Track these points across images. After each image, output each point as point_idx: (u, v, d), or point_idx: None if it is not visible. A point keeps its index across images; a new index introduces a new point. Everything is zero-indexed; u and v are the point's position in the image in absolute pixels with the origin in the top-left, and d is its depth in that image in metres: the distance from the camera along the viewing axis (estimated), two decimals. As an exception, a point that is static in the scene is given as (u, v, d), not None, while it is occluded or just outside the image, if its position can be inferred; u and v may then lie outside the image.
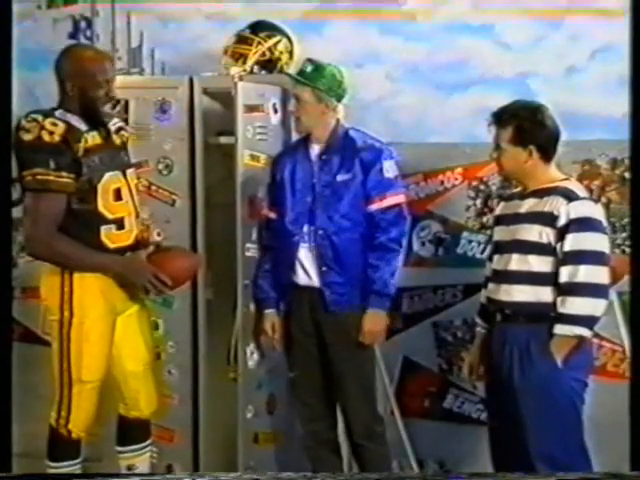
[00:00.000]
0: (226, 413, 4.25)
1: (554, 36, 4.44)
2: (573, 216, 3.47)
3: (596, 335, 3.89)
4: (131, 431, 3.91)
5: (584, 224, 3.47)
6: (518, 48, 4.46)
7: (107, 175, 3.66)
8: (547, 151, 3.60)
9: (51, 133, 3.54)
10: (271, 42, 4.34)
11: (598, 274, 3.47)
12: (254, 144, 4.14)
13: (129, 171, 3.79)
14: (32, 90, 4.77)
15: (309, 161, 4.01)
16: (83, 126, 3.64)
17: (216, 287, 4.36)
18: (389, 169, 3.97)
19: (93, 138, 3.66)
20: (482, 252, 4.44)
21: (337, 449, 4.18)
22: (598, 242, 3.50)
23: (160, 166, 4.29)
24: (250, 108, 4.11)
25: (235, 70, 4.26)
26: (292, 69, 4.33)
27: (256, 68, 4.32)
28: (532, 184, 3.62)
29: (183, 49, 4.60)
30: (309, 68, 3.98)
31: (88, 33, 4.75)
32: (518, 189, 3.73)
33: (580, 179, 4.35)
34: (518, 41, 4.46)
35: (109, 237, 3.68)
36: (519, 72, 4.46)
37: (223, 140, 4.29)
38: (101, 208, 3.65)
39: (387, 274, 3.93)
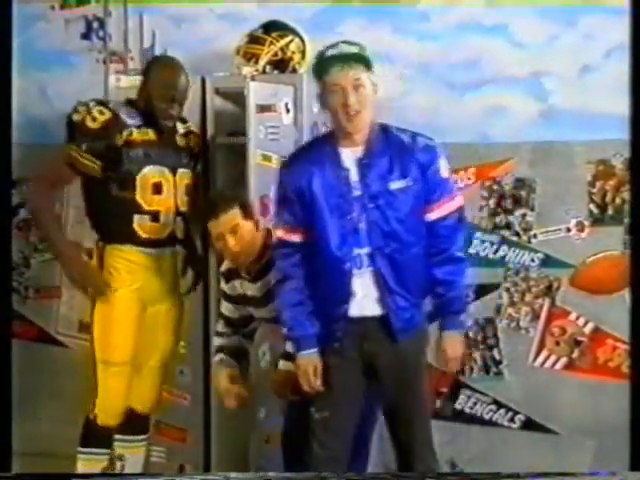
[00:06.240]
0: (238, 413, 4.24)
1: (568, 35, 4.41)
2: None
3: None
4: (128, 422, 3.90)
5: None
6: (532, 47, 4.43)
7: (147, 168, 3.78)
8: None
9: (94, 119, 3.71)
10: (283, 42, 4.33)
11: None
12: (266, 144, 4.12)
13: (181, 170, 3.87)
14: (44, 90, 4.80)
15: (342, 169, 3.31)
16: (135, 121, 3.78)
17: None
18: (444, 168, 3.37)
19: (142, 133, 3.79)
20: (495, 252, 4.44)
21: None
22: None
23: (172, 166, 4.28)
24: (262, 108, 4.10)
25: (247, 70, 4.26)
26: (304, 68, 4.32)
27: (268, 68, 4.31)
28: None
29: (195, 49, 4.59)
30: (355, 49, 3.35)
31: (101, 34, 4.77)
32: None
33: (594, 179, 4.35)
34: (532, 40, 4.43)
35: (142, 227, 3.79)
36: (533, 71, 4.43)
37: (235, 140, 4.28)
38: (138, 198, 3.77)
39: (462, 290, 3.39)
